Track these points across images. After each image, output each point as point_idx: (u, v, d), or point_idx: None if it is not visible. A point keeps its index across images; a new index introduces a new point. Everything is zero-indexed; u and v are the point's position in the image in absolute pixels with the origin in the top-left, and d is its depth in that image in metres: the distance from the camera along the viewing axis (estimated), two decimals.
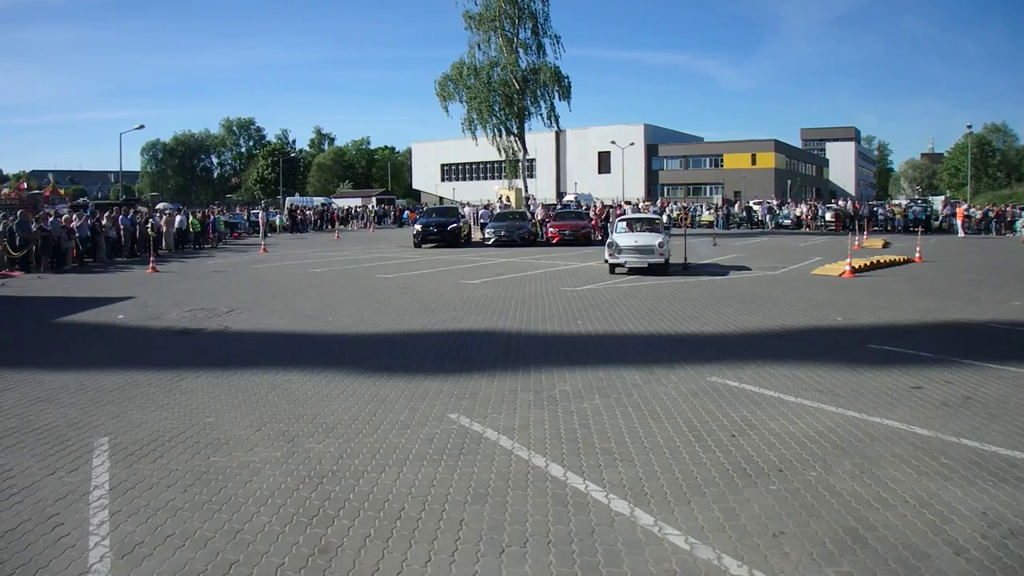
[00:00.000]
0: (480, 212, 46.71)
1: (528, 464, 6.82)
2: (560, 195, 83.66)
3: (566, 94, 49.54)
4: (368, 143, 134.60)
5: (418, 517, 5.69)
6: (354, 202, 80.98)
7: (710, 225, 51.69)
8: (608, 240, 23.74)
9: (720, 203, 65.20)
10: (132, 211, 37.98)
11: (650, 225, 25.93)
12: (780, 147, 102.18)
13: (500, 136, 50.36)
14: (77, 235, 30.19)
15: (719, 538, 5.31)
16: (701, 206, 64.18)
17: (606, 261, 23.21)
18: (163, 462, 7.04)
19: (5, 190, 47.38)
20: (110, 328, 15.14)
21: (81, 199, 57.98)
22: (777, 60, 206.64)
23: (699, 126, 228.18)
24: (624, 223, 25.74)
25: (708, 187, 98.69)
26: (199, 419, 8.41)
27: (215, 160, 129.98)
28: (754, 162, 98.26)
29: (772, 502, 5.92)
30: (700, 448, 7.20)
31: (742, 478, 6.43)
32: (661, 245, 22.50)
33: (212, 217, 43.89)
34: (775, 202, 61.58)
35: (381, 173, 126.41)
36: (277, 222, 54.67)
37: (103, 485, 6.51)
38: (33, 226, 28.24)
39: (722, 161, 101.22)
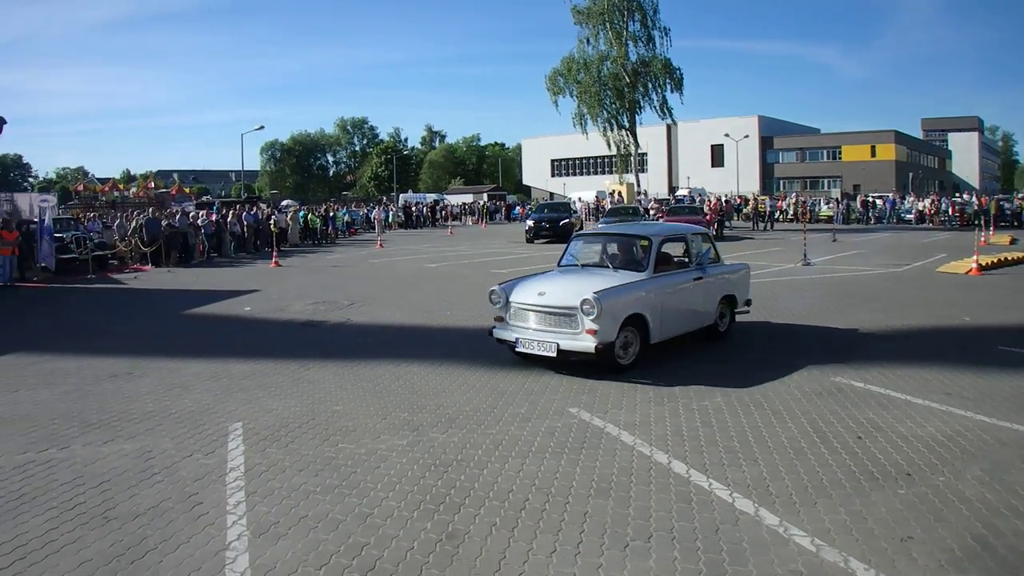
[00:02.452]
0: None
1: (650, 460, 6.91)
2: (672, 190, 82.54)
3: (678, 86, 48.90)
4: (478, 140, 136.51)
5: (542, 508, 5.87)
6: (466, 198, 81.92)
7: (829, 220, 49.96)
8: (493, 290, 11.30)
9: (839, 197, 63.08)
10: (254, 208, 39.62)
11: (626, 251, 11.87)
12: (900, 138, 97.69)
13: (611, 130, 50.17)
14: (203, 231, 31.83)
15: (846, 541, 5.29)
16: (819, 200, 62.11)
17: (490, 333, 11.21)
18: (294, 447, 7.48)
19: (133, 189, 50.28)
20: (238, 319, 16.00)
21: (204, 197, 60.71)
22: (894, 47, 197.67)
23: (815, 117, 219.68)
24: (581, 241, 12.94)
25: (826, 180, 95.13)
26: (326, 407, 8.85)
27: (330, 158, 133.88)
28: (873, 154, 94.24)
29: (900, 506, 5.84)
30: (826, 449, 7.14)
31: (869, 481, 6.36)
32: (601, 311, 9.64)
33: (331, 213, 45.29)
34: (896, 195, 58.96)
35: (492, 169, 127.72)
36: (390, 218, 55.84)
37: (239, 467, 6.97)
38: (163, 223, 29.90)
39: (840, 153, 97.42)
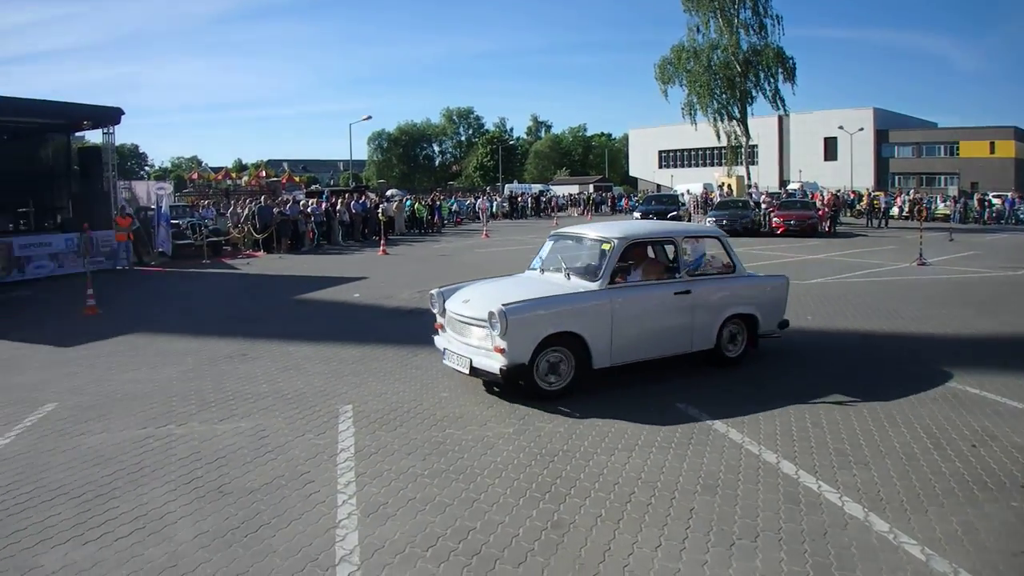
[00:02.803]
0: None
1: (759, 459, 6.79)
2: (783, 183, 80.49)
3: (790, 75, 47.56)
4: (584, 130, 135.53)
5: (648, 502, 5.85)
6: (571, 189, 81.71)
7: (945, 219, 47.88)
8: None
9: (956, 195, 60.36)
10: (363, 197, 40.39)
11: (586, 256, 10.22)
12: (1021, 135, 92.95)
13: (721, 121, 49.31)
14: (313, 219, 32.57)
15: (957, 552, 5.09)
16: (935, 198, 59.50)
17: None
18: (403, 431, 7.63)
19: (245, 178, 51.84)
20: (347, 305, 16.37)
21: (313, 186, 62.13)
22: (1015, 38, 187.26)
23: (931, 110, 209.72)
24: (552, 241, 10.95)
25: (942, 177, 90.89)
26: (434, 393, 8.99)
27: (436, 148, 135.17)
28: (992, 151, 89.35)
29: (1013, 519, 5.59)
30: (938, 456, 6.87)
31: (983, 491, 6.09)
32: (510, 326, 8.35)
33: (437, 203, 45.81)
34: (1016, 195, 55.93)
35: (598, 160, 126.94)
36: (495, 208, 56.13)
37: (349, 448, 7.16)
38: (274, 211, 30.78)
39: (957, 149, 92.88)
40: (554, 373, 8.67)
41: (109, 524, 5.66)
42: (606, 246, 9.44)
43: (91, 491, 6.30)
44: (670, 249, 10.26)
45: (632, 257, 9.85)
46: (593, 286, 9.04)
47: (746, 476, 6.37)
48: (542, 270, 10.21)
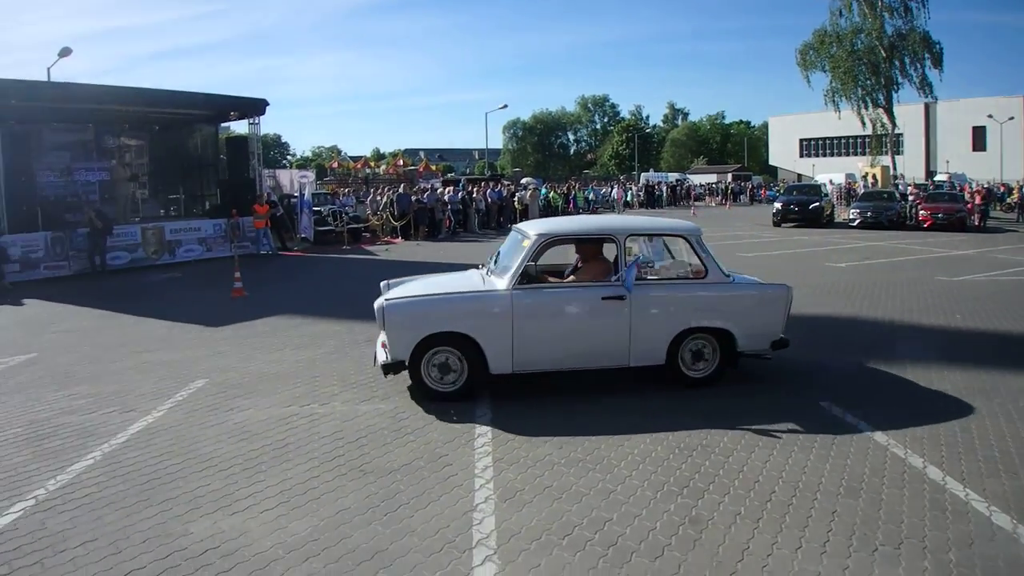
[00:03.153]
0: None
1: (904, 463, 6.51)
2: (929, 174, 76.80)
3: (937, 61, 45.58)
4: (723, 118, 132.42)
5: (788, 502, 5.70)
6: (709, 178, 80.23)
7: None
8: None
9: None
10: (498, 185, 40.77)
11: (510, 252, 9.31)
12: None
13: (865, 108, 47.51)
14: (450, 207, 33.06)
15: None
16: None
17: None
18: (540, 418, 7.67)
19: (383, 166, 53.01)
20: None
21: (449, 174, 63.02)
22: None
23: None
24: (511, 234, 10.13)
25: None
26: (571, 381, 8.97)
27: (571, 136, 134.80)
28: None
29: None
30: None
31: None
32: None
33: (572, 192, 45.78)
34: None
35: (736, 148, 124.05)
36: (630, 197, 55.61)
37: (486, 434, 7.27)
38: (412, 198, 31.43)
39: None
40: (445, 374, 8.32)
41: (255, 497, 5.93)
42: (525, 242, 8.74)
43: (238, 464, 6.62)
44: (612, 248, 8.81)
45: (580, 254, 9.31)
46: (500, 286, 8.44)
47: (891, 480, 6.13)
48: (487, 267, 9.55)
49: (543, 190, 44.04)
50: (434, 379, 8.31)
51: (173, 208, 29.07)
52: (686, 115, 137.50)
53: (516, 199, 36.62)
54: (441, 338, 8.21)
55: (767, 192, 63.78)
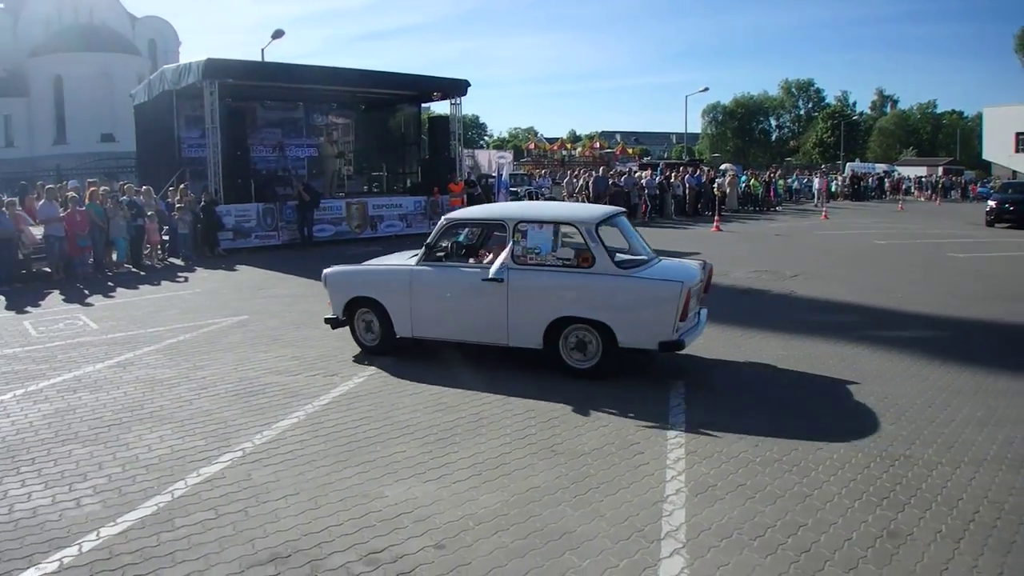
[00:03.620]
0: None
1: None
2: None
3: None
4: (934, 107, 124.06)
5: (992, 524, 5.25)
6: (919, 171, 75.79)
7: None
8: None
9: None
10: (697, 171, 40.07)
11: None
12: None
13: None
14: (647, 192, 32.73)
15: None
16: None
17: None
18: (735, 414, 7.45)
19: (579, 148, 53.22)
20: None
21: (646, 158, 62.57)
22: None
23: None
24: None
25: None
26: (769, 379, 8.71)
27: (773, 123, 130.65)
28: None
29: None
30: None
31: None
32: None
33: (774, 180, 44.39)
34: None
35: (948, 140, 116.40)
36: (834, 188, 53.35)
37: (680, 425, 7.12)
38: (608, 182, 31.36)
39: None
40: (369, 332, 9.82)
41: (448, 467, 6.08)
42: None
43: (433, 434, 6.82)
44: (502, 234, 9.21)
45: (482, 238, 10.10)
46: (411, 262, 9.58)
47: None
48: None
49: (742, 177, 42.90)
50: (361, 333, 9.88)
51: (375, 185, 30.22)
52: (895, 102, 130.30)
53: (715, 185, 35.86)
54: (363, 301, 9.71)
55: (978, 189, 59.56)
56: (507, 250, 8.82)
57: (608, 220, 9.43)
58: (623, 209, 12.16)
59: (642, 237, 9.99)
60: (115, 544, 4.90)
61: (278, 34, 32.60)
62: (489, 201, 29.08)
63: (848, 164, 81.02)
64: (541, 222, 9.11)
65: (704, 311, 9.55)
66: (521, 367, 9.00)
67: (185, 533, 5.02)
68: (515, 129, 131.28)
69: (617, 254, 9.01)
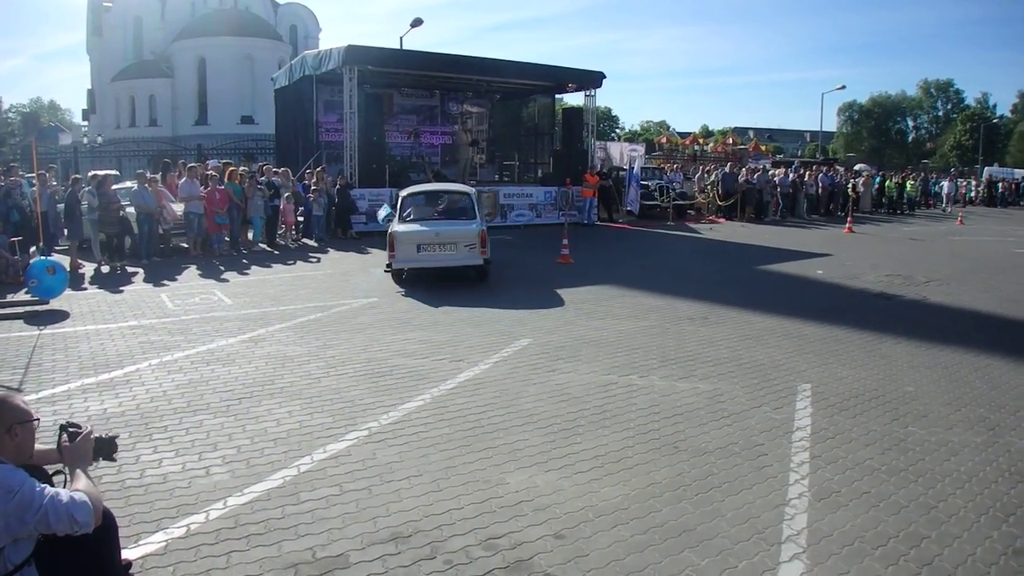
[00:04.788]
0: None
1: None
2: None
3: None
4: None
5: None
6: None
7: None
8: None
9: None
10: (831, 170, 38.91)
11: None
12: None
13: None
14: (780, 190, 31.99)
15: None
16: None
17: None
18: (862, 420, 7.21)
19: (712, 144, 52.38)
20: (809, 281, 15.91)
21: (779, 155, 61.14)
22: None
23: None
24: None
25: None
26: (898, 386, 8.38)
27: (910, 123, 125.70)
28: None
29: None
30: None
31: None
32: None
33: (906, 182, 42.71)
34: None
35: None
36: (971, 193, 50.84)
37: (805, 428, 6.92)
38: (740, 179, 30.77)
39: None
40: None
41: (570, 458, 6.05)
42: None
43: (557, 424, 6.80)
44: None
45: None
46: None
47: None
48: None
49: (876, 178, 41.41)
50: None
51: (507, 174, 30.46)
52: None
53: (850, 186, 34.74)
54: None
55: None
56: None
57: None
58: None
59: None
60: (241, 514, 5.06)
61: (417, 22, 33.08)
62: (620, 194, 28.98)
63: (986, 168, 77.32)
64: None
65: None
66: (646, 361, 8.92)
67: (310, 507, 5.15)
68: (647, 122, 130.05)
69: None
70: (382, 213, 15.70)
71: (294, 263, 16.84)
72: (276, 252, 18.64)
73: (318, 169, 21.69)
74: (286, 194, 20.14)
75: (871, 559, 4.70)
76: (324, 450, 6.12)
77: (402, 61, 25.54)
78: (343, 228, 21.41)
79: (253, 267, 16.11)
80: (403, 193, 15.21)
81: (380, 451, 6.10)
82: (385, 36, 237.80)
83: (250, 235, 19.35)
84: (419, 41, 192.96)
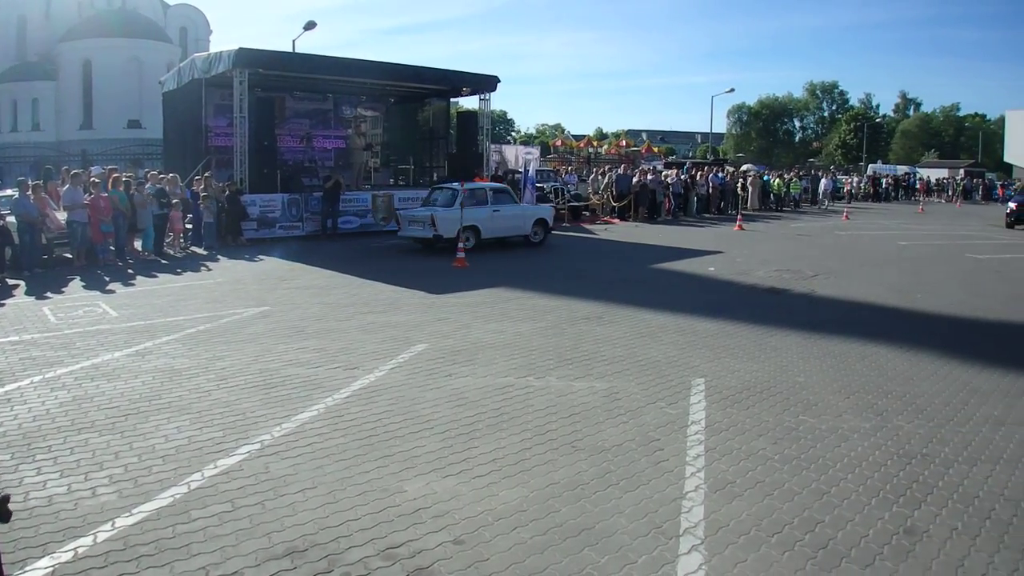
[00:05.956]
0: None
1: None
2: None
3: None
4: (957, 110, 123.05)
5: (1009, 522, 5.24)
6: (939, 173, 75.24)
7: None
8: None
9: None
10: (721, 170, 39.85)
11: None
12: None
13: None
14: (672, 190, 32.57)
15: None
16: None
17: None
18: (755, 411, 7.40)
19: (606, 146, 53.05)
20: (702, 278, 16.25)
21: (671, 157, 62.32)
22: None
23: None
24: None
25: None
26: (789, 377, 8.63)
27: (797, 124, 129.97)
28: None
29: None
30: None
31: None
32: None
33: (789, 182, 44.06)
34: None
35: (970, 143, 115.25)
36: (843, 189, 52.75)
37: (700, 422, 7.07)
38: (633, 179, 31.22)
39: None
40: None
41: (468, 462, 6.02)
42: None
43: (454, 429, 6.75)
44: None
45: None
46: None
47: None
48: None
49: (765, 177, 42.64)
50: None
51: (402, 178, 30.23)
52: (918, 105, 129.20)
53: (739, 185, 35.65)
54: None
55: (1005, 192, 58.81)
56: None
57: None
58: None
59: None
60: (130, 535, 4.86)
61: (310, 25, 32.63)
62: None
63: (870, 166, 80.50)
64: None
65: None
66: (543, 362, 8.95)
67: (201, 525, 4.98)
68: (543, 125, 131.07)
69: None
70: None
71: (183, 272, 16.34)
72: (164, 261, 18.06)
73: (206, 175, 21.15)
74: (175, 201, 19.56)
75: (767, 546, 4.82)
76: (215, 466, 5.92)
77: (294, 64, 25.04)
78: (234, 235, 20.89)
79: (140, 277, 15.57)
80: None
81: (273, 464, 5.94)
82: (278, 39, 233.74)
83: (137, 244, 18.71)
84: (313, 44, 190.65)
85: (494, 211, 20.40)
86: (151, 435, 6.59)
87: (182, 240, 20.09)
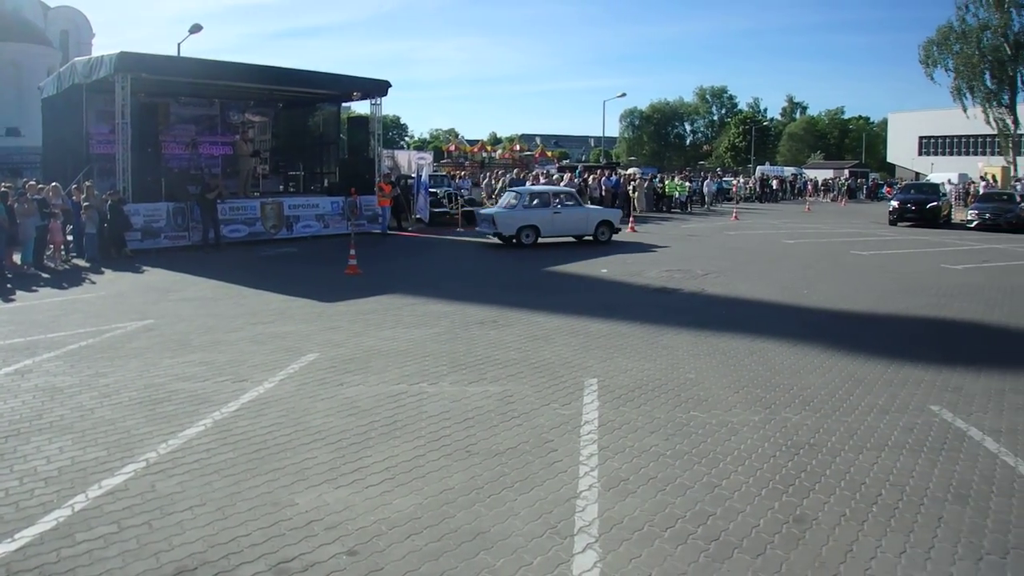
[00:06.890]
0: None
1: (1014, 472, 6.18)
2: None
3: None
4: (842, 113, 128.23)
5: (895, 506, 5.49)
6: (826, 173, 78.19)
7: None
8: None
9: None
10: (614, 174, 40.46)
11: None
12: None
13: (990, 107, 45.75)
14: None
15: None
16: None
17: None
18: (647, 409, 7.56)
19: (500, 151, 53.29)
20: (595, 280, 16.49)
21: (565, 160, 62.99)
22: None
23: None
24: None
25: None
26: (680, 374, 8.84)
27: (688, 127, 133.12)
28: None
29: None
30: None
31: None
32: None
33: (678, 184, 45.09)
34: None
35: (854, 144, 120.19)
36: (739, 190, 54.36)
37: (593, 421, 7.17)
38: (526, 184, 31.42)
39: None
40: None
41: (361, 472, 5.96)
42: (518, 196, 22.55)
43: (346, 439, 6.68)
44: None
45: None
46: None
47: (1000, 488, 5.85)
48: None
49: (657, 179, 43.55)
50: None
51: (292, 184, 29.81)
52: (805, 109, 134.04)
53: (631, 188, 36.26)
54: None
55: (892, 190, 61.54)
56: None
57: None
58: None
59: None
60: (12, 561, 4.67)
61: (195, 29, 31.81)
62: (408, 202, 28.96)
63: (759, 167, 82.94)
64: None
65: None
66: (437, 368, 8.95)
67: (86, 548, 4.80)
68: (436, 130, 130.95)
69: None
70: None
71: (64, 286, 15.75)
72: (45, 275, 17.36)
73: (87, 183, 20.43)
74: (56, 212, 18.82)
75: (661, 541, 4.92)
76: (100, 486, 5.71)
77: (179, 69, 24.37)
78: (117, 246, 20.17)
79: (18, 292, 14.93)
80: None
81: (160, 482, 5.77)
82: (163, 43, 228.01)
83: (16, 258, 17.95)
84: (199, 48, 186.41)
85: (555, 213, 22.58)
86: (32, 457, 6.33)
87: (63, 252, 19.36)
